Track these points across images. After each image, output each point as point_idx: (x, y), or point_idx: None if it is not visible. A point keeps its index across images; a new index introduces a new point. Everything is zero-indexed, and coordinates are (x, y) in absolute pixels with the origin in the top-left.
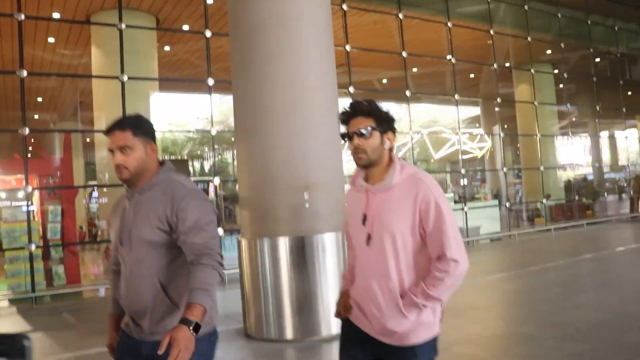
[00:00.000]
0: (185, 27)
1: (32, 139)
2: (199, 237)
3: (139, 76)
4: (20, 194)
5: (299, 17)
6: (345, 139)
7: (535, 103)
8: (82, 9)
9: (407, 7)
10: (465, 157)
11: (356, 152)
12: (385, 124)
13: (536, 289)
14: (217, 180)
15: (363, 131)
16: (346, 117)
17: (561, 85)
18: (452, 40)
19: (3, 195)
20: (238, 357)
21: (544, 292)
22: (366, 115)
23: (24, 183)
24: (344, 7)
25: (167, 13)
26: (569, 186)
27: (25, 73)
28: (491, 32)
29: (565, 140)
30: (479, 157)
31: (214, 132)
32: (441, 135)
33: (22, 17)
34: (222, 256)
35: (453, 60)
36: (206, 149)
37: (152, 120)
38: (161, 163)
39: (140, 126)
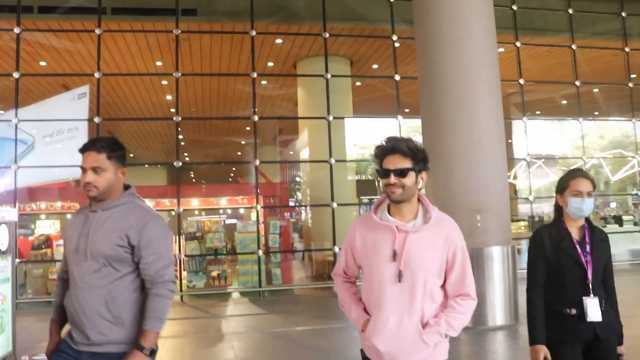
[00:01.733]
0: (375, 66)
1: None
2: (156, 263)
3: (339, 115)
4: (243, 211)
5: (477, 77)
6: (380, 175)
7: None
8: (291, 56)
9: (581, 35)
10: None
11: (391, 188)
12: (422, 163)
13: None
14: None
15: (401, 171)
16: (382, 153)
17: None
18: (629, 65)
19: (229, 211)
20: None
21: None
22: (404, 154)
23: (255, 203)
24: (517, 44)
25: (360, 55)
26: None
27: (256, 118)
28: None
29: None
30: None
31: None
32: (622, 157)
33: (255, 75)
34: (174, 282)
35: (631, 85)
36: None
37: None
38: (126, 187)
39: (115, 150)
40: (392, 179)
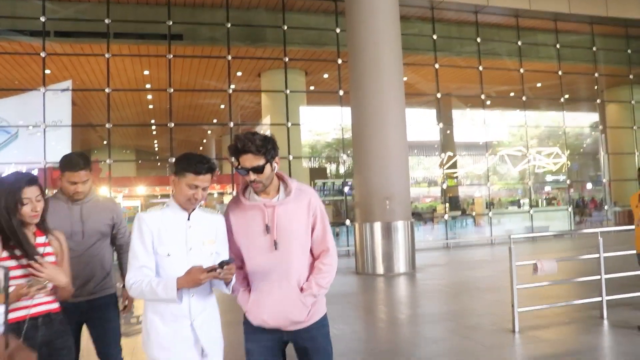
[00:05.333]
0: (325, 75)
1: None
2: (126, 236)
3: (296, 122)
4: (216, 195)
5: (388, 110)
6: (241, 173)
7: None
8: (257, 69)
9: (487, 57)
10: (540, 171)
11: (253, 184)
12: (272, 152)
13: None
14: (347, 189)
15: (256, 169)
16: (235, 153)
17: None
18: (524, 81)
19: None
20: (353, 282)
21: None
22: (255, 153)
23: (229, 189)
24: (436, 66)
25: (313, 67)
26: None
27: (232, 124)
28: (559, 72)
29: None
30: (553, 170)
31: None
32: (521, 153)
33: (231, 90)
34: None
35: (524, 99)
36: (341, 154)
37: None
38: None
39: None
40: (252, 176)
